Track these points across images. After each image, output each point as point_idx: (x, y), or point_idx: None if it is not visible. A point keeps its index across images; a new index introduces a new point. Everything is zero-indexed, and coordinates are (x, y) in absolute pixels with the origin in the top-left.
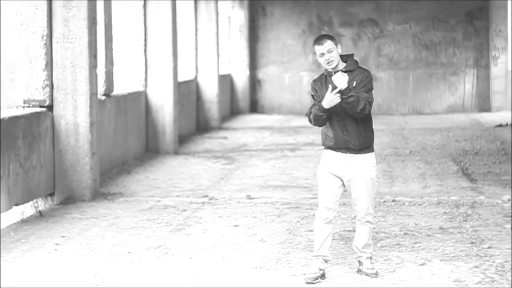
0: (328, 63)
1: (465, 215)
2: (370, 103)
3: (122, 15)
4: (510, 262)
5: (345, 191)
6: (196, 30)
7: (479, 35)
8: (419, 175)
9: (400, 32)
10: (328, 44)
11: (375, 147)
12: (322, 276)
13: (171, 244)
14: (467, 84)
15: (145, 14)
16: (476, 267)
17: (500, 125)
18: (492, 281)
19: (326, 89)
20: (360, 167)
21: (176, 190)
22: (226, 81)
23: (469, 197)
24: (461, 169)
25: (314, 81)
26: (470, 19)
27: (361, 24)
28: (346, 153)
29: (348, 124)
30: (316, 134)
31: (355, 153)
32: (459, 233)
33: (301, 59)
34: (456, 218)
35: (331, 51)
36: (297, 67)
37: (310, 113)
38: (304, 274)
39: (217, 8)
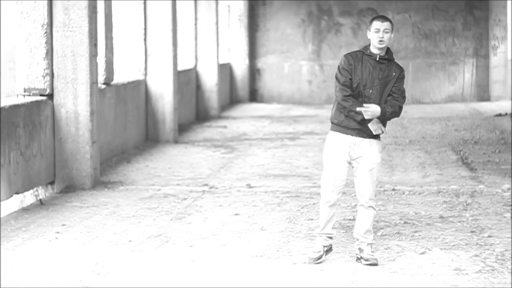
0: (380, 41)
1: (465, 204)
2: (404, 97)
3: (122, 4)
4: (510, 251)
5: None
6: (196, 19)
7: (479, 24)
8: (419, 164)
9: (399, 21)
10: (388, 24)
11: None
12: (328, 251)
13: (171, 232)
14: (466, 74)
15: (145, 3)
16: (476, 255)
17: (500, 115)
18: (492, 270)
19: (362, 67)
20: (368, 152)
21: (176, 178)
22: (225, 70)
23: (469, 186)
24: (461, 158)
25: (350, 55)
26: (470, 8)
27: (361, 13)
28: (357, 136)
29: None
30: (315, 123)
31: (365, 137)
32: (459, 222)
33: (300, 48)
34: (456, 207)
35: (387, 32)
36: (296, 56)
37: (344, 100)
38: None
39: None
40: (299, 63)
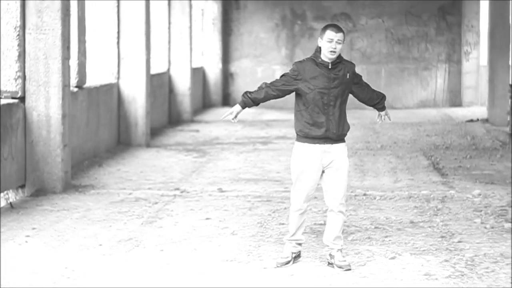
0: (332, 52)
1: (435, 209)
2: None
3: (96, 7)
4: (480, 256)
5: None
6: (169, 23)
7: (452, 30)
8: (390, 169)
9: (372, 26)
10: (341, 35)
11: (346, 140)
12: (297, 257)
13: (142, 236)
14: (438, 79)
15: (118, 7)
16: (446, 261)
17: (471, 120)
18: (462, 275)
19: (316, 77)
20: (338, 157)
21: (148, 182)
22: (198, 74)
23: (439, 191)
24: (432, 164)
25: (300, 63)
26: (443, 14)
27: (334, 18)
28: (324, 143)
29: (332, 113)
30: (288, 128)
31: (332, 143)
32: (430, 227)
33: (274, 53)
34: (427, 212)
35: (339, 43)
36: (269, 60)
37: (264, 87)
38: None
39: (190, 1)
40: (272, 68)
